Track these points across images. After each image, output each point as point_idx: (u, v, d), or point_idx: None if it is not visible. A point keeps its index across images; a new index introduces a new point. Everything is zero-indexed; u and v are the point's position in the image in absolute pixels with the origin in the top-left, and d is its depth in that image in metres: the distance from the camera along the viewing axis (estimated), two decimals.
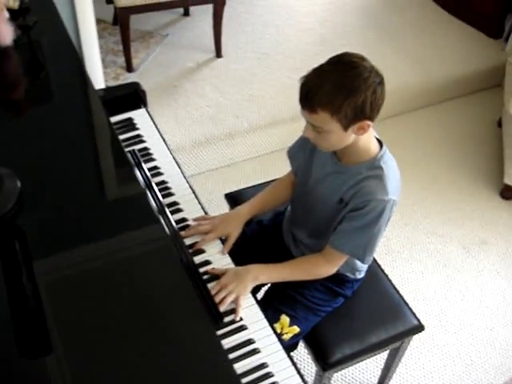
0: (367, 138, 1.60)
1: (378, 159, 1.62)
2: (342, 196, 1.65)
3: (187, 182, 1.89)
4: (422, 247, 2.88)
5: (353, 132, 1.54)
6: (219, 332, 1.49)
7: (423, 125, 3.63)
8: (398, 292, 1.98)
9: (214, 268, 1.64)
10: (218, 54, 3.71)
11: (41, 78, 1.97)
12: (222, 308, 1.53)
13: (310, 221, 1.82)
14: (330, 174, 1.69)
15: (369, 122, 1.52)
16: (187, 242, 1.71)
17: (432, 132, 3.58)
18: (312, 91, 1.48)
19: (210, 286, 1.59)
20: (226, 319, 1.53)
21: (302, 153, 1.80)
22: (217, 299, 1.54)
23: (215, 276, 1.63)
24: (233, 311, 1.55)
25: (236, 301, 1.56)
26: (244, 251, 1.81)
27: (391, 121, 3.58)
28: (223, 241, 1.74)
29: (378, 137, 1.68)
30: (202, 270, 1.64)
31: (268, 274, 1.69)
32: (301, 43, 3.90)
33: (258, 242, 1.97)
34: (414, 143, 3.48)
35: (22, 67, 1.99)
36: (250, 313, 1.57)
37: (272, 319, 1.62)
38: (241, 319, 1.54)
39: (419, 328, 1.92)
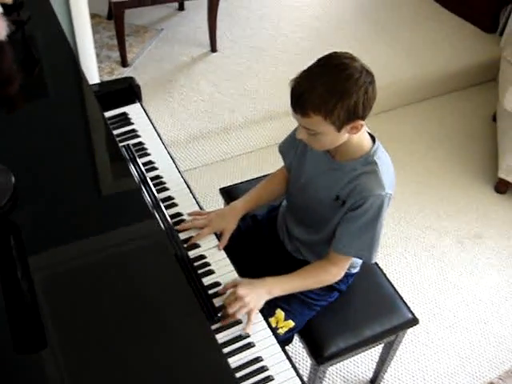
0: (360, 135, 1.60)
1: (371, 154, 1.62)
2: (337, 193, 1.65)
3: (182, 176, 1.89)
4: (417, 241, 2.89)
5: (346, 132, 1.53)
6: (214, 326, 1.49)
7: (418, 119, 3.63)
8: (392, 286, 1.99)
9: (224, 285, 1.61)
10: (213, 49, 3.71)
11: (35, 73, 1.96)
12: (233, 319, 1.51)
13: (305, 217, 1.82)
14: (324, 171, 1.69)
15: (362, 122, 1.52)
16: (182, 236, 1.71)
17: (426, 126, 3.58)
18: (304, 95, 1.47)
19: (224, 297, 1.57)
20: (236, 331, 1.51)
21: (294, 150, 1.80)
22: (230, 310, 1.50)
23: (211, 271, 1.63)
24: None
25: (249, 315, 1.53)
26: (239, 246, 1.82)
27: (386, 115, 3.59)
28: (218, 236, 1.75)
29: (370, 132, 1.68)
30: (206, 282, 1.61)
31: (281, 287, 1.66)
32: (296, 38, 3.89)
33: (252, 236, 1.97)
34: (408, 138, 3.48)
35: (16, 62, 1.98)
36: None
37: (267, 313, 1.62)
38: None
39: (413, 321, 1.93)
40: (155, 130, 2.05)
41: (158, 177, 1.87)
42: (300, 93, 1.48)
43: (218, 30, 3.65)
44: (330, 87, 1.45)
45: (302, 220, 1.84)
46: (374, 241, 1.66)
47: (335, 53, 1.52)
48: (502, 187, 3.16)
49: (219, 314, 1.52)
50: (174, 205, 1.80)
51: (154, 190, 1.78)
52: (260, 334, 1.52)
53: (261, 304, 1.57)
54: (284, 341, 1.77)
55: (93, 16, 3.11)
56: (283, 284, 1.68)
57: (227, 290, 1.58)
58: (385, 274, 2.02)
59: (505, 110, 3.10)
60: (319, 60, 1.51)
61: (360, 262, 1.89)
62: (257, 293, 1.57)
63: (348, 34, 3.98)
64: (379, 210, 1.60)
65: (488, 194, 3.18)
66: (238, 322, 1.52)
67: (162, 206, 1.74)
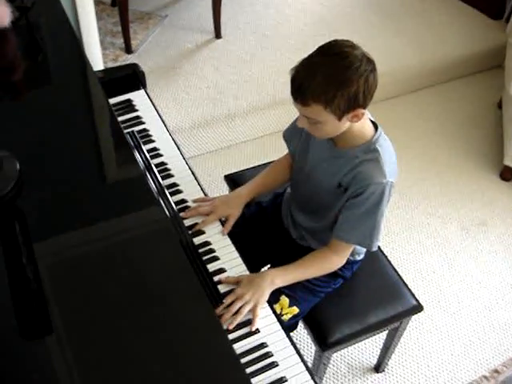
0: (361, 123, 1.59)
1: (373, 142, 1.61)
2: (340, 180, 1.65)
3: (187, 163, 1.89)
4: (422, 228, 2.89)
5: (347, 120, 1.53)
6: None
7: (423, 106, 3.62)
8: (397, 273, 1.99)
9: (228, 277, 1.60)
10: (218, 35, 3.69)
11: (39, 60, 1.96)
12: (238, 319, 1.50)
13: (309, 204, 1.82)
14: (327, 159, 1.69)
15: (363, 110, 1.51)
16: (187, 223, 1.71)
17: (432, 113, 3.57)
18: (304, 85, 1.46)
19: (221, 287, 1.57)
20: (243, 331, 1.50)
21: (298, 137, 1.79)
22: (232, 310, 1.50)
23: (216, 257, 1.63)
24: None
25: (253, 311, 1.53)
26: (243, 233, 1.82)
27: (391, 102, 3.57)
28: (223, 222, 1.75)
29: (372, 119, 1.67)
30: (211, 269, 1.61)
31: (282, 278, 1.66)
32: (300, 24, 3.87)
33: (257, 223, 1.97)
34: (413, 125, 3.47)
35: (20, 49, 1.98)
36: None
37: (272, 300, 1.62)
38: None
39: (418, 308, 1.93)
40: (160, 117, 2.05)
41: (162, 163, 1.87)
42: (300, 82, 1.47)
43: (223, 17, 3.63)
44: (330, 76, 1.44)
45: (306, 207, 1.84)
46: (375, 229, 1.65)
47: (335, 41, 1.51)
48: (507, 174, 3.15)
49: (224, 327, 1.49)
50: (179, 191, 1.81)
51: (158, 176, 1.78)
52: (265, 320, 1.52)
53: (265, 298, 1.57)
54: (289, 327, 1.77)
55: (97, 3, 3.11)
56: (284, 275, 1.68)
57: (228, 284, 1.59)
58: (389, 261, 2.02)
59: (510, 97, 3.08)
60: (319, 48, 1.50)
61: (364, 249, 1.89)
62: (257, 288, 1.56)
63: (353, 19, 3.95)
64: (380, 197, 1.60)
65: (493, 181, 3.17)
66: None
67: (166, 192, 1.74)
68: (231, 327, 1.48)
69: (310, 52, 1.51)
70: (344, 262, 1.76)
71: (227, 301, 1.53)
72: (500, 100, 3.52)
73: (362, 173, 1.60)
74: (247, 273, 1.62)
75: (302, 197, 1.84)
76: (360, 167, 1.60)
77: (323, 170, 1.70)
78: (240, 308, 1.51)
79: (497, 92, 3.61)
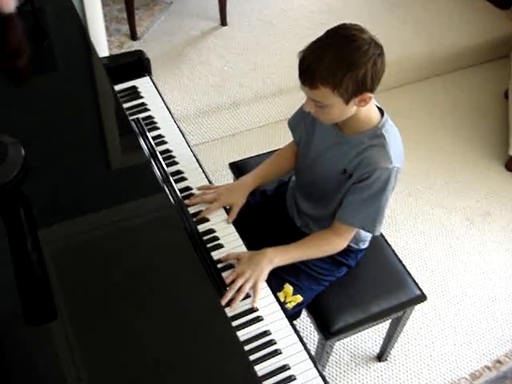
0: (368, 108, 1.59)
1: (379, 128, 1.61)
2: (345, 166, 1.65)
3: (191, 150, 1.89)
4: (426, 218, 2.88)
5: (354, 104, 1.52)
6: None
7: (429, 95, 3.60)
8: (401, 262, 1.99)
9: (228, 254, 1.62)
10: (223, 23, 3.67)
11: (44, 46, 1.95)
12: (241, 296, 1.51)
13: (314, 192, 1.82)
14: (332, 144, 1.69)
15: (370, 94, 1.51)
16: (191, 210, 1.71)
17: (438, 103, 3.55)
18: (312, 67, 1.46)
19: (225, 274, 1.57)
20: (244, 305, 1.52)
21: (303, 124, 1.79)
22: (234, 288, 1.51)
23: (220, 245, 1.64)
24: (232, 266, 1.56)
25: (254, 288, 1.54)
26: (248, 221, 1.82)
27: (397, 91, 3.56)
28: (227, 210, 1.75)
29: (378, 105, 1.67)
30: (215, 257, 1.61)
31: (282, 256, 1.67)
32: (306, 11, 3.85)
33: (261, 211, 1.97)
34: (419, 114, 3.46)
35: (26, 35, 1.97)
36: None
37: (275, 288, 1.63)
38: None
39: (421, 298, 1.93)
40: (165, 104, 2.04)
41: (167, 151, 1.87)
42: (308, 64, 1.47)
43: (228, 4, 3.61)
44: (338, 59, 1.44)
45: (311, 195, 1.84)
46: (379, 213, 1.65)
47: (344, 24, 1.51)
48: None
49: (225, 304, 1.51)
50: (184, 179, 1.80)
51: (163, 163, 1.78)
52: (268, 308, 1.52)
53: (264, 275, 1.58)
54: (292, 315, 1.78)
55: None
56: (284, 253, 1.68)
57: (229, 260, 1.61)
58: (393, 250, 2.02)
59: None
60: (328, 31, 1.50)
61: (369, 237, 1.89)
62: (256, 265, 1.58)
63: (360, 7, 3.92)
64: (385, 183, 1.59)
65: (498, 171, 3.15)
66: (247, 296, 1.52)
67: (171, 179, 1.74)
68: (234, 305, 1.49)
69: None
70: (345, 245, 1.76)
71: (228, 279, 1.54)
72: (506, 90, 3.50)
73: (367, 158, 1.60)
74: None
75: (307, 184, 1.84)
76: (366, 152, 1.60)
77: (328, 156, 1.70)
78: (241, 286, 1.53)
79: (504, 82, 3.59)
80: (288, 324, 1.49)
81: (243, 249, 1.65)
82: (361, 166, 1.61)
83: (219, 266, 1.59)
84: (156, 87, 2.11)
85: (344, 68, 1.44)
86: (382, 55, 1.49)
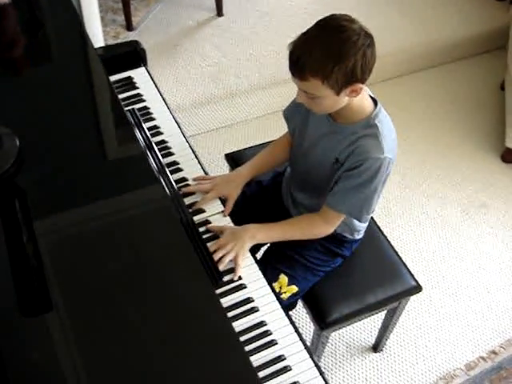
0: (361, 98, 1.59)
1: (372, 118, 1.61)
2: (337, 156, 1.65)
3: (187, 141, 1.89)
4: (422, 209, 2.89)
5: (345, 95, 1.52)
6: (218, 291, 1.50)
7: (425, 87, 3.60)
8: (396, 253, 1.99)
9: (212, 225, 1.66)
10: (219, 13, 3.66)
11: (39, 36, 1.95)
12: (221, 267, 1.55)
13: (308, 182, 1.82)
14: (326, 134, 1.69)
15: (361, 85, 1.50)
16: (187, 201, 1.71)
17: (434, 94, 3.55)
18: (301, 59, 1.46)
19: (209, 244, 1.60)
20: (225, 278, 1.54)
21: (298, 114, 1.79)
22: (215, 258, 1.55)
23: (215, 235, 1.64)
24: (232, 270, 1.56)
25: (235, 260, 1.57)
26: (244, 211, 1.82)
27: (393, 82, 3.55)
28: (223, 201, 1.75)
29: (372, 95, 1.67)
30: (201, 228, 1.64)
31: (265, 233, 1.69)
32: (303, 2, 3.84)
33: (257, 202, 1.97)
34: (415, 105, 3.45)
35: (21, 25, 1.96)
36: (249, 272, 1.58)
37: (271, 278, 1.63)
38: (240, 278, 1.55)
39: (417, 289, 1.94)
40: (160, 95, 2.04)
41: (163, 141, 1.87)
42: (297, 56, 1.47)
43: None
44: (327, 50, 1.44)
45: (305, 185, 1.84)
46: (367, 202, 1.66)
47: (333, 15, 1.50)
48: (508, 157, 3.14)
49: (224, 279, 1.53)
50: (179, 170, 1.80)
51: (159, 154, 1.78)
52: (264, 298, 1.53)
53: (245, 249, 1.61)
54: (288, 306, 1.78)
55: None
56: (267, 230, 1.70)
57: (213, 231, 1.66)
58: (389, 241, 2.02)
59: None
60: (317, 23, 1.50)
61: (364, 228, 1.89)
62: (238, 239, 1.60)
63: None
64: (376, 172, 1.59)
65: (494, 163, 3.16)
66: (243, 287, 1.53)
67: (167, 170, 1.74)
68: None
69: None
70: (331, 231, 1.76)
71: (211, 249, 1.58)
72: (503, 82, 3.49)
73: (360, 147, 1.60)
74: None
75: (301, 174, 1.84)
76: (358, 142, 1.60)
77: (322, 145, 1.70)
78: (222, 257, 1.56)
79: (500, 73, 3.59)
80: (283, 315, 1.50)
81: None
82: (353, 155, 1.61)
83: (201, 229, 1.62)
84: (152, 78, 2.10)
85: (333, 59, 1.43)
86: (372, 45, 1.48)
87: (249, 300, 1.51)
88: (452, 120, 3.38)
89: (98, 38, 2.86)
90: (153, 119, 1.94)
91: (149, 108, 1.97)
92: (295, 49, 1.48)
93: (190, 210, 1.69)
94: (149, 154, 1.76)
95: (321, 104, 1.55)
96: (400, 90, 3.52)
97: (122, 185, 1.52)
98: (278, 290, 1.72)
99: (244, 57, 3.38)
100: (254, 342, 1.43)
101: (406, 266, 1.96)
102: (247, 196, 1.91)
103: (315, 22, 1.52)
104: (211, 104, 3.14)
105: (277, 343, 1.44)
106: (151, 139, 1.82)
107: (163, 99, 2.02)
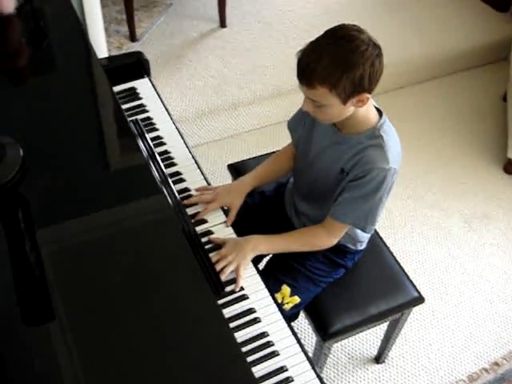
0: (366, 108, 1.59)
1: (377, 128, 1.61)
2: (342, 166, 1.65)
3: (190, 152, 1.89)
4: (424, 220, 2.89)
5: (352, 105, 1.53)
6: (220, 301, 1.50)
7: (428, 98, 3.61)
8: (398, 264, 1.99)
9: (215, 237, 1.66)
10: (223, 24, 3.68)
11: (43, 47, 1.95)
12: (223, 277, 1.55)
13: (312, 192, 1.82)
14: (331, 145, 1.69)
15: (368, 95, 1.51)
16: (189, 212, 1.71)
17: (436, 105, 3.56)
18: (310, 67, 1.46)
19: (211, 255, 1.60)
20: (228, 289, 1.54)
21: (302, 125, 1.79)
22: (217, 268, 1.55)
23: (217, 246, 1.64)
24: (234, 281, 1.56)
25: (236, 271, 1.57)
26: (246, 221, 1.82)
27: (396, 93, 3.56)
28: (225, 211, 1.75)
29: (377, 106, 1.67)
30: (204, 239, 1.64)
31: (267, 244, 1.69)
32: (305, 13, 3.86)
33: (260, 212, 1.97)
34: (418, 116, 3.46)
35: (25, 35, 1.97)
36: (252, 282, 1.58)
37: (273, 289, 1.63)
38: (241, 289, 1.55)
39: (419, 300, 1.93)
40: (163, 105, 2.04)
41: (166, 152, 1.87)
42: (306, 64, 1.47)
43: (228, 5, 3.62)
44: (336, 59, 1.44)
45: (309, 195, 1.84)
46: (372, 212, 1.65)
47: (343, 24, 1.51)
48: (510, 168, 3.13)
49: (226, 289, 1.53)
50: (182, 180, 1.81)
51: (161, 165, 1.78)
52: (266, 309, 1.52)
53: (247, 260, 1.60)
54: (290, 317, 1.78)
55: None
56: (270, 243, 1.70)
57: (215, 243, 1.65)
58: (391, 252, 2.02)
59: None
60: (326, 31, 1.51)
61: (366, 238, 1.89)
62: (240, 250, 1.60)
63: (358, 10, 3.93)
64: (381, 182, 1.59)
65: (497, 174, 3.16)
66: (245, 298, 1.53)
67: (169, 181, 1.74)
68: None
69: None
70: (334, 243, 1.76)
71: (213, 259, 1.58)
72: (505, 93, 3.50)
73: (365, 157, 1.60)
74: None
75: (305, 185, 1.84)
76: (363, 152, 1.60)
77: (326, 156, 1.70)
78: (223, 268, 1.56)
79: (502, 85, 3.59)
80: (286, 325, 1.49)
81: None
82: (358, 165, 1.61)
83: (204, 239, 1.63)
84: (155, 88, 2.11)
85: (342, 68, 1.44)
86: (380, 56, 1.49)
87: (251, 311, 1.50)
88: (454, 131, 3.38)
89: (101, 48, 2.87)
90: (156, 129, 1.95)
91: (152, 118, 1.98)
92: (304, 56, 1.49)
93: (193, 221, 1.69)
94: (151, 164, 1.76)
95: (327, 113, 1.55)
96: (402, 101, 3.53)
97: (125, 195, 1.52)
98: (280, 301, 1.72)
99: (247, 68, 3.39)
100: (256, 352, 1.42)
101: (408, 277, 1.96)
102: (250, 206, 1.91)
103: (319, 33, 1.53)
104: (214, 114, 3.15)
105: (279, 354, 1.43)
106: (154, 149, 1.82)
107: (166, 110, 2.03)
